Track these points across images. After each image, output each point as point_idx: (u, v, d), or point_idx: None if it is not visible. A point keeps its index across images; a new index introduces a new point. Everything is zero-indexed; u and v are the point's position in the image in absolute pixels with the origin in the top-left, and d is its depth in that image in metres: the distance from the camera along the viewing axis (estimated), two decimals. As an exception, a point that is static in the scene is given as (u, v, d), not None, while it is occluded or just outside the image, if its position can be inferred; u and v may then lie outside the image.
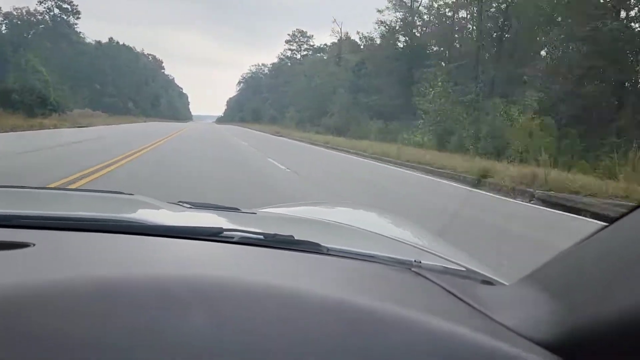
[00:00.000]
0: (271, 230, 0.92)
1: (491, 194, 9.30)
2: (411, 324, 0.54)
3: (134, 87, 74.34)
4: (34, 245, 0.70)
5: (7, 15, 55.26)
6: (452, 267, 0.93)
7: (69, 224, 0.86)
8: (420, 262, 0.88)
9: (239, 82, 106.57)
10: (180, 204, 1.26)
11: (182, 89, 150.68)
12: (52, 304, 0.49)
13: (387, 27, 39.07)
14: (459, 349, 0.52)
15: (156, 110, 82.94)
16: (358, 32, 51.74)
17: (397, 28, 38.71)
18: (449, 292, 0.72)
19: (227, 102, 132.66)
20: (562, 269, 0.65)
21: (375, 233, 1.27)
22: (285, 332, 0.50)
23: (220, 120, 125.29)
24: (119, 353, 0.46)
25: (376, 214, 1.88)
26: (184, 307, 0.51)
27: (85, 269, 0.63)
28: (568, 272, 0.64)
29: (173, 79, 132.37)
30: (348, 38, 50.90)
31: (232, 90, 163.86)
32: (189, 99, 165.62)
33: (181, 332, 0.48)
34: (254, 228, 0.99)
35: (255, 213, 1.34)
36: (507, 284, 0.85)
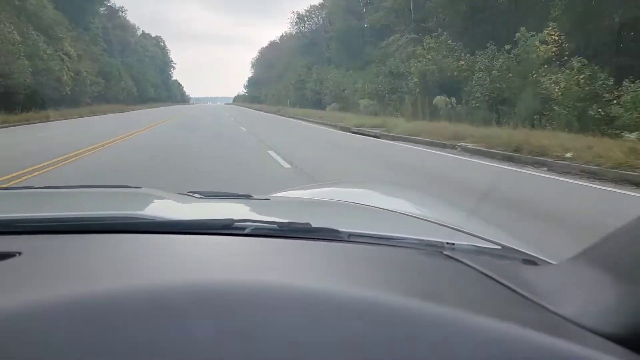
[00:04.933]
0: (287, 217, 0.88)
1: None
2: (450, 322, 0.46)
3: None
4: (19, 254, 0.65)
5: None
6: (488, 247, 0.86)
7: (62, 226, 0.80)
8: (453, 244, 0.82)
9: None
10: (191, 194, 1.20)
11: (161, 39, 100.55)
12: (31, 330, 0.43)
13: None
14: (512, 351, 0.43)
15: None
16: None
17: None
18: (489, 276, 0.64)
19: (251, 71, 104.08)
20: (629, 245, 0.55)
21: (400, 213, 1.18)
22: (302, 340, 0.44)
23: (238, 101, 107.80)
24: None
25: (400, 192, 1.79)
26: (186, 319, 0.45)
27: (74, 281, 0.57)
28: (636, 249, 0.54)
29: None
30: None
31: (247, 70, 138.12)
32: (183, 79, 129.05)
33: (185, 349, 0.42)
34: (268, 216, 0.98)
35: (269, 199, 1.29)
36: (554, 263, 0.78)
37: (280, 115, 35.38)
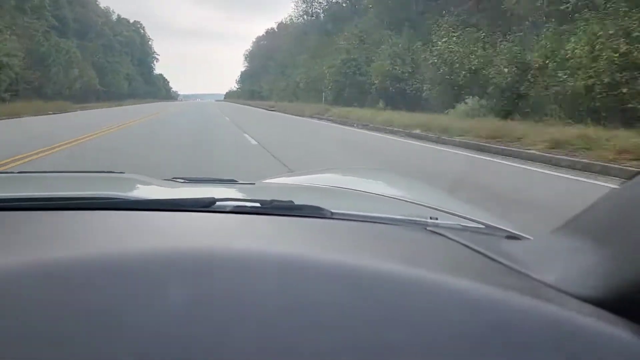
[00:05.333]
0: (270, 198, 0.87)
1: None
2: (432, 284, 0.46)
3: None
4: None
5: None
6: (471, 225, 0.87)
7: (39, 205, 0.78)
8: (437, 218, 0.83)
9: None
10: (175, 179, 1.19)
11: (140, 24, 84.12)
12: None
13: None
14: (494, 313, 0.43)
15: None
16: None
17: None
18: (473, 249, 0.66)
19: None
20: (607, 213, 0.57)
21: (385, 196, 1.19)
22: (281, 304, 0.42)
23: (230, 97, 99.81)
24: (78, 347, 0.38)
25: (386, 177, 1.83)
26: (156, 284, 0.43)
27: (43, 249, 0.56)
28: (614, 216, 0.55)
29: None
30: None
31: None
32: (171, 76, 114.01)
33: (151, 314, 0.41)
34: (252, 197, 0.98)
35: (253, 184, 1.31)
36: (533, 238, 0.80)
37: (364, 128, 17.41)
